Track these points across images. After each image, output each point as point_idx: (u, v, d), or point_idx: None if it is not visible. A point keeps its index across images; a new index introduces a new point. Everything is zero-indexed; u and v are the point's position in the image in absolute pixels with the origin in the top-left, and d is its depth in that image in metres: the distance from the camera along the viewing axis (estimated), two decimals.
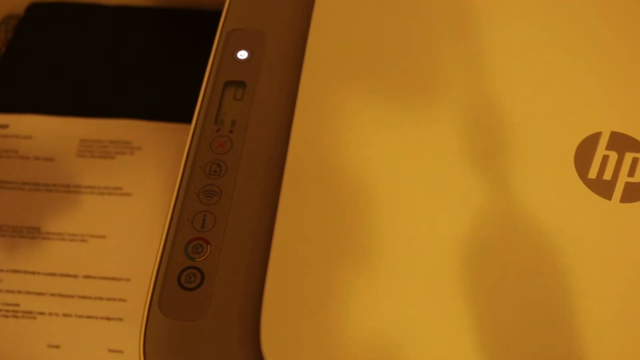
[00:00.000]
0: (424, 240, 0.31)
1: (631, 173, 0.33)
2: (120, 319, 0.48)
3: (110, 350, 0.47)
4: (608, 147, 0.33)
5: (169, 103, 0.57)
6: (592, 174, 0.33)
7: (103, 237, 0.51)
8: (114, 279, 0.50)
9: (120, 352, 0.47)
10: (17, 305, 0.49)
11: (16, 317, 0.48)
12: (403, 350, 0.29)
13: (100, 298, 0.49)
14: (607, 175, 0.33)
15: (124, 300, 0.49)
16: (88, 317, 0.48)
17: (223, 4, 0.41)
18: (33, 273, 0.50)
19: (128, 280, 0.50)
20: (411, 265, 0.31)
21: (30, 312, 0.49)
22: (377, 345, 0.29)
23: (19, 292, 0.49)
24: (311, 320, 0.30)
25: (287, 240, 0.32)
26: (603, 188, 0.32)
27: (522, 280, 0.30)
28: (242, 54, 0.38)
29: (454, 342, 0.29)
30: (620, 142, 0.33)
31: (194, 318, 0.31)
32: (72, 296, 0.49)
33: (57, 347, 0.47)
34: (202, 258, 0.32)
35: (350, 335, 0.29)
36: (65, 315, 0.48)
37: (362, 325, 0.30)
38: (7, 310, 0.49)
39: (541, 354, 0.29)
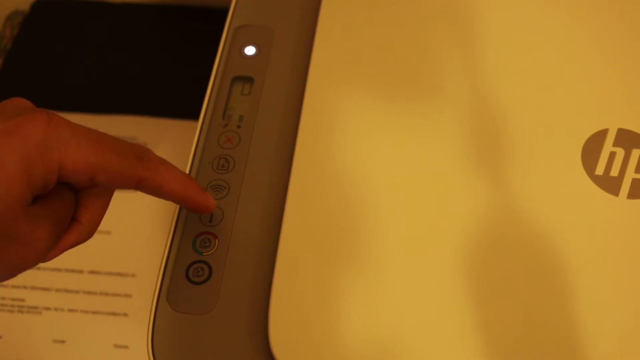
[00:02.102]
0: (431, 238, 0.32)
1: (638, 169, 0.33)
2: (125, 315, 0.48)
3: (116, 346, 0.47)
4: (615, 144, 0.33)
5: (174, 99, 0.58)
6: (599, 170, 0.33)
7: (108, 232, 0.51)
8: (119, 274, 0.50)
9: (126, 347, 0.47)
10: (23, 300, 0.49)
11: (21, 312, 0.48)
12: (409, 347, 0.29)
13: (106, 293, 0.49)
14: (614, 172, 0.33)
15: (129, 295, 0.49)
16: (93, 312, 0.48)
17: (229, 1, 0.41)
18: (38, 268, 0.50)
19: (133, 275, 0.50)
20: (417, 263, 0.31)
21: (35, 307, 0.49)
22: (381, 343, 0.29)
23: (24, 287, 0.49)
24: (318, 314, 0.30)
25: (295, 235, 0.32)
26: (610, 184, 0.32)
27: (528, 278, 0.30)
28: (250, 50, 0.38)
29: (458, 339, 0.29)
30: (627, 139, 0.33)
31: (202, 312, 0.31)
32: (77, 291, 0.49)
33: (63, 342, 0.47)
34: (210, 252, 0.33)
35: (355, 329, 0.30)
36: (70, 310, 0.48)
37: (368, 322, 0.30)
38: (12, 305, 0.49)
39: (546, 352, 0.29)
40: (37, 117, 0.24)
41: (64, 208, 0.27)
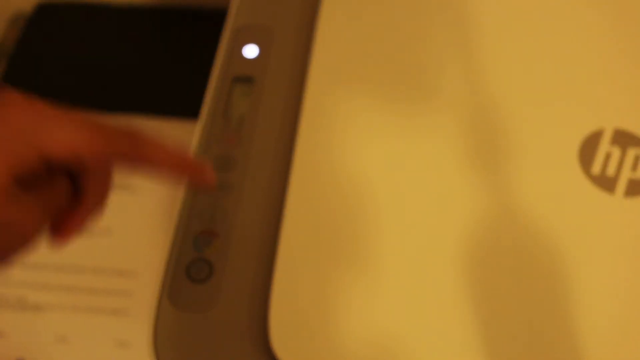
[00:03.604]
0: (430, 237, 0.32)
1: (634, 169, 0.33)
2: (127, 313, 0.48)
3: (117, 343, 0.47)
4: (611, 144, 0.34)
5: (174, 99, 0.58)
6: (596, 169, 0.33)
7: (110, 231, 0.52)
8: (120, 272, 0.50)
9: (127, 345, 0.47)
10: (25, 298, 0.49)
11: (24, 309, 0.49)
12: (409, 347, 0.30)
13: (108, 291, 0.49)
14: (611, 171, 0.33)
15: (131, 293, 0.49)
16: (95, 310, 0.48)
17: (227, 3, 0.41)
18: (40, 266, 0.50)
19: (135, 274, 0.50)
20: (417, 262, 0.31)
21: (37, 305, 0.49)
22: (381, 342, 0.30)
23: (26, 285, 0.50)
24: (318, 313, 0.30)
25: (295, 234, 0.32)
26: (606, 183, 0.33)
27: (526, 277, 0.31)
28: (250, 50, 0.39)
29: (457, 339, 0.30)
30: (623, 139, 0.34)
31: (203, 310, 0.31)
32: (79, 289, 0.49)
33: (65, 339, 0.48)
34: (211, 250, 0.33)
35: (355, 328, 0.30)
36: (72, 308, 0.49)
37: (368, 322, 0.30)
38: (15, 303, 0.49)
39: (545, 351, 0.29)
40: (16, 102, 0.24)
41: (55, 193, 0.26)
